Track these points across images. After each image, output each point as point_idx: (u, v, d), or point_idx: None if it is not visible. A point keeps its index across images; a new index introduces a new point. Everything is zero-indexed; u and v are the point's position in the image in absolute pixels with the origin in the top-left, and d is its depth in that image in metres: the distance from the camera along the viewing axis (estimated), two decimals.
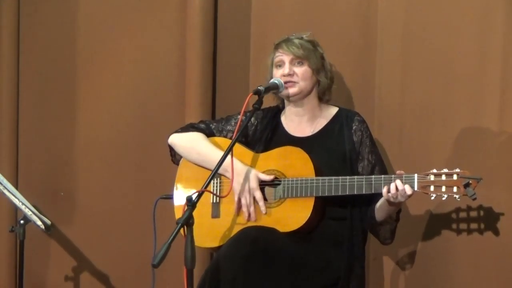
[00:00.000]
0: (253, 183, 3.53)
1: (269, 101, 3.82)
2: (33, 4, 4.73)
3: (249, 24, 4.27)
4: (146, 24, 4.51)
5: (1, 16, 4.70)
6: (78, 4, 4.64)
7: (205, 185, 3.27)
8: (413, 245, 3.90)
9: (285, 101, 3.77)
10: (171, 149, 3.81)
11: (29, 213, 4.20)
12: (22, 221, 4.24)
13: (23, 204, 4.21)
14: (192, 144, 3.72)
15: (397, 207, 3.53)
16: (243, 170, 3.56)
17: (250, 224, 3.52)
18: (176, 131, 3.80)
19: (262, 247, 3.36)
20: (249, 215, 3.53)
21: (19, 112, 4.74)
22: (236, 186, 3.54)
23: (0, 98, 4.72)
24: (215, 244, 3.56)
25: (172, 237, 3.05)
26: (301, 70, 3.66)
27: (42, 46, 4.71)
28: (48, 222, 4.28)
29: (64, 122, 4.66)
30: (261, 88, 3.55)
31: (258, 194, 3.53)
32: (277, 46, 3.72)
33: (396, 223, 3.64)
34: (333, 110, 3.75)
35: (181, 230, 3.10)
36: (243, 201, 3.53)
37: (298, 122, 3.73)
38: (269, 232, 3.45)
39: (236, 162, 3.52)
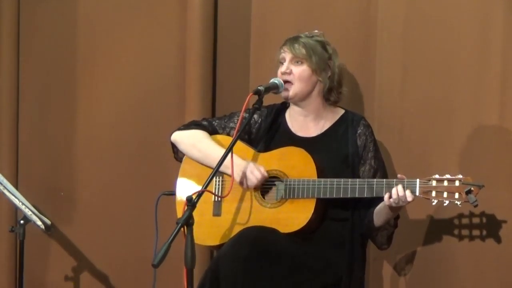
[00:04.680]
0: (253, 168, 3.52)
1: (274, 98, 3.79)
2: (33, 4, 4.73)
3: (249, 24, 4.26)
4: (146, 24, 4.51)
5: (1, 16, 4.70)
6: (78, 4, 4.64)
7: (206, 184, 3.27)
8: (414, 247, 3.89)
9: None
10: (174, 146, 3.80)
11: (29, 213, 4.20)
12: (22, 221, 4.24)
13: (23, 204, 4.21)
14: (193, 142, 3.71)
15: (396, 212, 3.52)
16: (243, 163, 3.54)
17: (251, 223, 3.52)
18: (179, 129, 3.78)
19: (262, 247, 3.36)
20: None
21: (19, 112, 4.75)
22: (237, 177, 3.52)
23: (0, 98, 4.72)
24: (215, 242, 3.55)
25: (172, 237, 3.05)
26: (299, 70, 3.64)
27: (42, 46, 4.71)
28: (48, 222, 4.28)
29: (64, 122, 4.66)
30: (261, 88, 3.54)
31: (259, 172, 3.51)
32: (283, 43, 3.70)
33: (394, 229, 3.63)
34: (339, 112, 3.72)
35: (181, 230, 3.10)
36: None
37: (303, 121, 3.71)
38: (270, 232, 3.45)
39: (236, 157, 3.50)
